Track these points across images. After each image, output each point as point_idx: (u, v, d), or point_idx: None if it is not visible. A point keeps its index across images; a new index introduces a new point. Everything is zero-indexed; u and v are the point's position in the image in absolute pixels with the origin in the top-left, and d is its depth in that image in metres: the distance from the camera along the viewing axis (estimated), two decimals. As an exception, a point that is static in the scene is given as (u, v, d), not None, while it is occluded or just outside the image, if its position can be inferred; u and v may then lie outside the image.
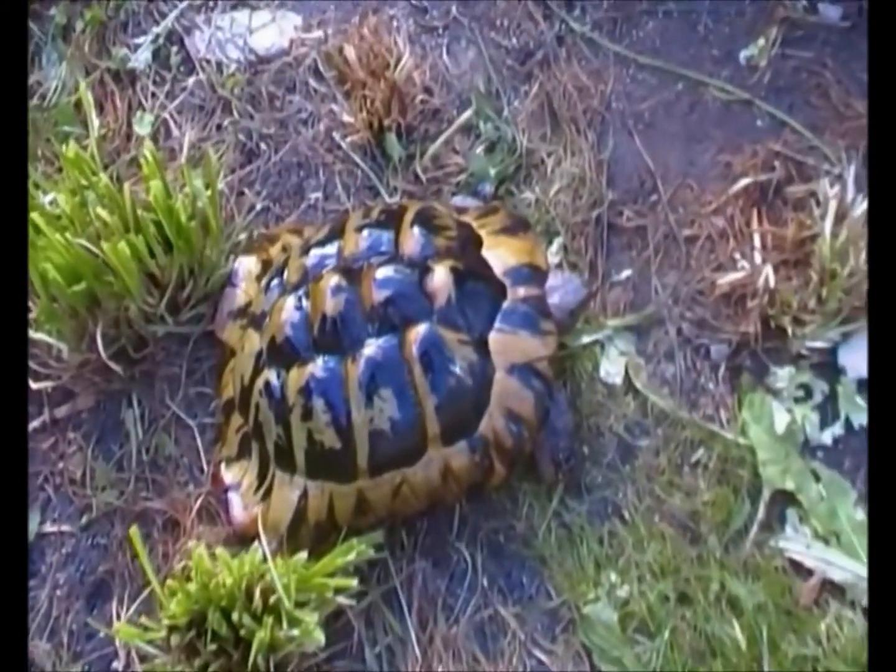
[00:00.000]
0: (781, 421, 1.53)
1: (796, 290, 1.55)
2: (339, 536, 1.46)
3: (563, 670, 1.45)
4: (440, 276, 1.39)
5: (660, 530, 1.51)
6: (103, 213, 1.51)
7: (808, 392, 1.58)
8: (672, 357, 1.63)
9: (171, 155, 1.84)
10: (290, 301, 1.42)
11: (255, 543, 1.42)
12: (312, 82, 1.91)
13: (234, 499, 1.49)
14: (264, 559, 1.39)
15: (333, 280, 1.39)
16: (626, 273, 1.68)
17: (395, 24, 1.94)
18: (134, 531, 1.39)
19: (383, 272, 1.39)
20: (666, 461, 1.56)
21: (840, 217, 1.55)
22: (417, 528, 1.55)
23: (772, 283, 1.53)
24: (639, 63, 1.85)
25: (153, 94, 1.90)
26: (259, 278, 1.57)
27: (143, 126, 1.84)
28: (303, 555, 1.40)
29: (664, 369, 1.63)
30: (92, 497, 1.62)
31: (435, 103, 1.85)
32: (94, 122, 1.73)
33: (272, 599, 1.36)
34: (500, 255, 1.47)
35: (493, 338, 1.40)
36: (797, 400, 1.57)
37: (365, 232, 1.45)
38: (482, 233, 1.49)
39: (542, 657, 1.47)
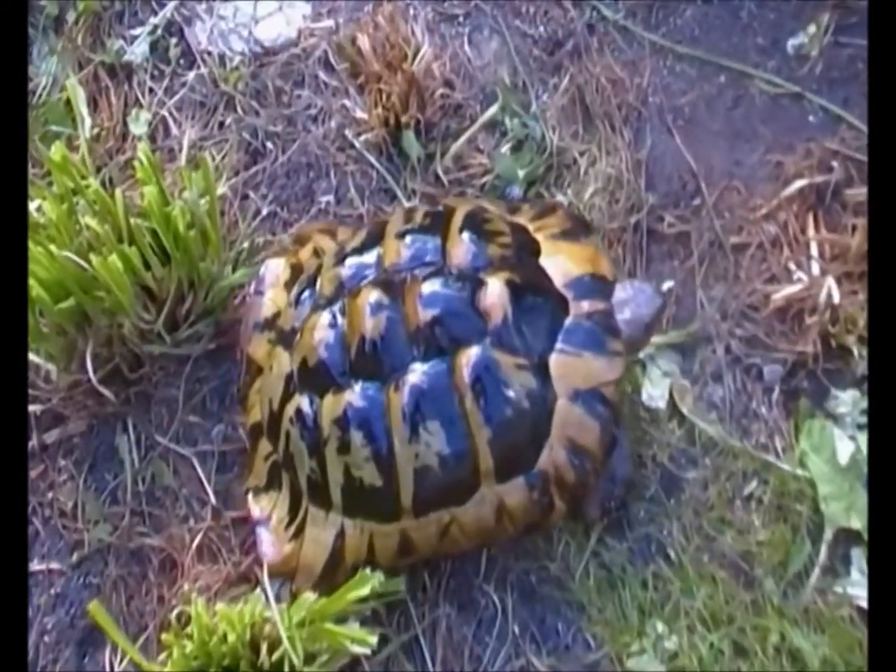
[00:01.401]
0: (845, 450, 1.39)
1: (863, 305, 1.37)
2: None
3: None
4: (495, 292, 1.24)
5: (710, 573, 1.37)
6: (93, 222, 1.38)
7: (873, 418, 1.39)
8: (721, 378, 1.49)
9: (169, 156, 1.71)
10: (324, 318, 1.28)
11: (256, 591, 1.32)
12: (323, 75, 1.77)
13: (264, 535, 1.36)
14: (267, 602, 1.29)
15: (373, 296, 1.24)
16: (668, 285, 1.53)
17: (412, 11, 1.80)
18: (95, 606, 1.25)
19: (430, 287, 1.24)
20: (716, 495, 1.42)
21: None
22: (441, 569, 1.41)
23: (836, 297, 1.36)
24: (677, 53, 1.70)
25: (151, 90, 1.78)
26: (288, 285, 1.43)
27: (138, 125, 1.70)
28: (309, 595, 1.28)
29: (712, 392, 1.48)
30: (84, 532, 1.49)
31: (456, 98, 1.71)
32: (86, 120, 1.60)
33: (277, 654, 1.24)
34: (560, 263, 1.32)
35: (555, 360, 1.25)
36: (861, 427, 1.42)
37: (408, 239, 1.29)
38: (539, 237, 1.34)
39: (580, 715, 1.30)
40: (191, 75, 1.78)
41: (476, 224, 1.31)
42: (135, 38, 1.80)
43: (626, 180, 1.59)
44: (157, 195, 1.44)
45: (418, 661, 1.38)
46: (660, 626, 1.34)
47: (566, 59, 1.71)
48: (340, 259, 1.32)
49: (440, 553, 1.34)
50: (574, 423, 1.25)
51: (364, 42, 1.72)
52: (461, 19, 1.79)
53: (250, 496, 1.39)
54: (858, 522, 1.36)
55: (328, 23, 1.81)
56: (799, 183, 1.51)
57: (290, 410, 1.29)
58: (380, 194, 1.67)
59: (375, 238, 1.33)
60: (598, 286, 1.31)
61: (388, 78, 1.67)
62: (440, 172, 1.64)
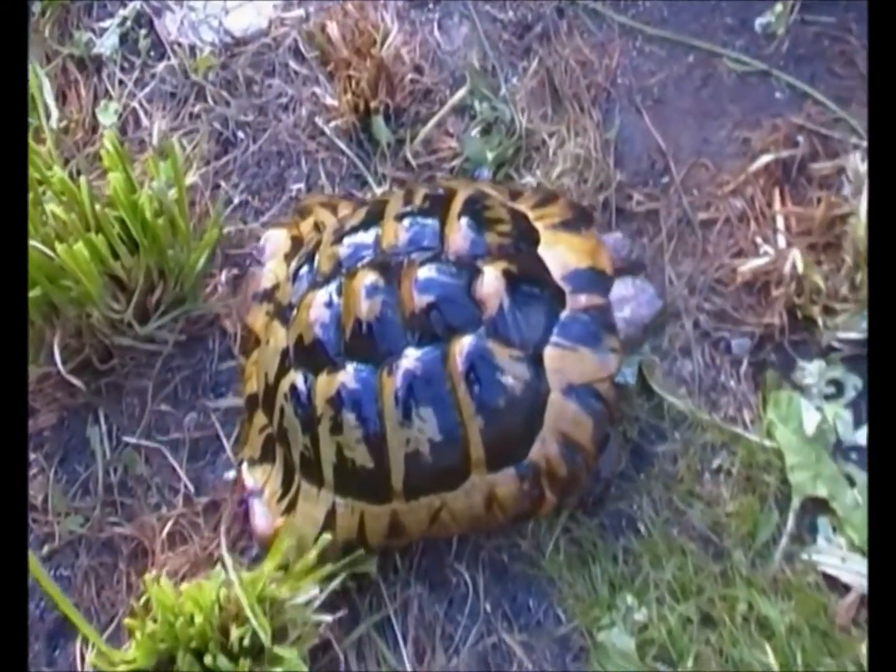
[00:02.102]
0: (811, 421, 1.44)
1: (827, 275, 1.44)
2: (368, 554, 1.40)
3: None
4: (491, 281, 1.27)
5: (679, 545, 1.42)
6: (59, 210, 1.41)
7: (839, 388, 1.48)
8: (689, 353, 1.54)
9: (140, 147, 1.77)
10: (321, 297, 1.31)
11: (218, 567, 1.35)
12: (293, 64, 1.83)
13: (257, 506, 1.39)
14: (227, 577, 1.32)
15: (369, 278, 1.27)
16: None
17: (381, -1, 1.81)
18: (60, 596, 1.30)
19: (426, 272, 1.27)
20: (685, 468, 1.47)
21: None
22: (413, 549, 1.45)
23: (800, 268, 1.42)
24: (646, 34, 1.76)
25: (121, 82, 1.83)
26: (288, 257, 1.46)
27: (107, 115, 1.76)
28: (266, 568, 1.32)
29: (681, 367, 1.53)
30: (54, 524, 1.54)
31: (426, 83, 1.76)
32: (53, 112, 1.64)
33: (246, 636, 1.28)
34: (559, 254, 1.34)
35: (549, 353, 1.27)
36: (828, 397, 1.48)
37: (406, 221, 1.32)
38: (539, 226, 1.37)
39: (552, 689, 1.35)
40: (161, 66, 1.83)
41: (476, 210, 1.34)
42: (104, 30, 1.86)
43: (595, 160, 1.64)
44: (124, 183, 1.49)
45: (390, 641, 1.43)
46: (629, 599, 1.38)
47: (535, 43, 1.77)
48: (339, 237, 1.35)
49: (430, 536, 1.38)
50: (567, 418, 1.27)
51: (333, 29, 1.77)
52: (431, 5, 1.85)
53: (244, 466, 1.42)
54: (825, 490, 1.41)
55: (299, 12, 1.87)
56: (765, 158, 1.56)
57: (284, 386, 1.32)
58: (350, 180, 1.72)
59: (375, 218, 1.35)
60: (597, 280, 1.33)
61: (357, 64, 1.72)
62: (410, 157, 1.68)
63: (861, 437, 1.44)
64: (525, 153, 1.68)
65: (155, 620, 1.29)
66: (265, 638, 1.28)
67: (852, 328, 1.45)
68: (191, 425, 1.59)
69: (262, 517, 1.38)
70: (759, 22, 1.72)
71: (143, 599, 1.32)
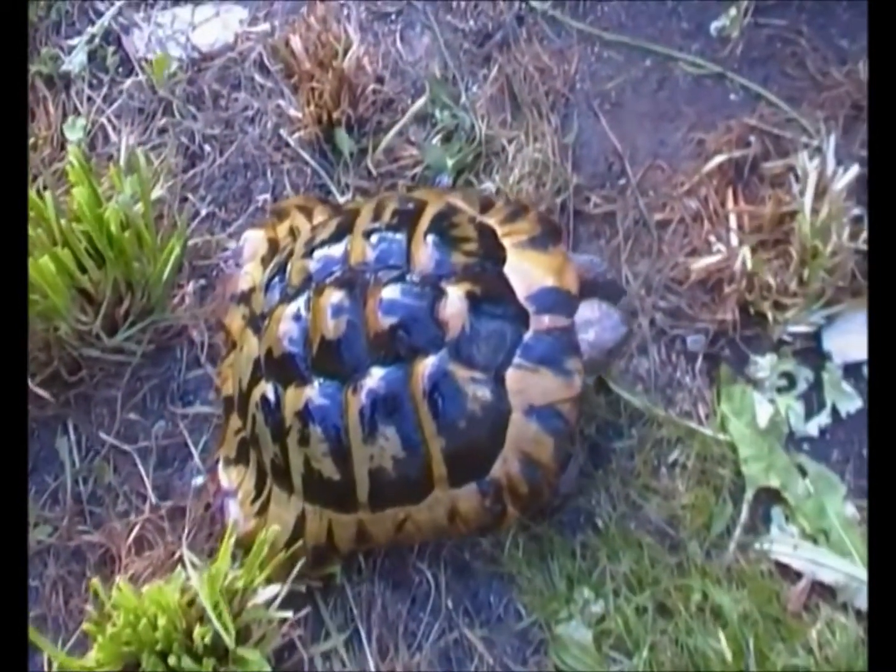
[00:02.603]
0: (764, 413, 1.50)
1: (776, 272, 1.51)
2: (339, 559, 1.48)
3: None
4: (454, 303, 1.32)
5: (636, 538, 1.48)
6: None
7: (791, 381, 1.55)
8: (646, 351, 1.60)
9: (109, 162, 1.82)
10: (290, 311, 1.37)
11: (179, 569, 1.40)
12: (258, 77, 1.90)
13: (232, 506, 1.46)
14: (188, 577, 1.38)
15: (335, 297, 1.33)
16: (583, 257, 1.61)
17: (345, 11, 1.93)
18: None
19: (390, 293, 1.32)
20: (641, 463, 1.53)
21: (820, 191, 1.51)
22: (376, 550, 1.52)
23: (748, 264, 1.48)
24: (604, 40, 1.83)
25: (89, 99, 1.90)
26: (265, 260, 1.53)
27: (74, 131, 1.83)
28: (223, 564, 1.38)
29: (637, 365, 1.60)
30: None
31: (388, 93, 1.84)
32: (21, 129, 1.70)
33: (209, 636, 1.34)
34: (524, 273, 1.38)
35: (511, 374, 1.32)
36: (780, 390, 1.55)
37: (374, 238, 1.38)
38: (506, 243, 1.41)
39: (513, 681, 1.41)
40: (129, 82, 1.90)
41: (442, 228, 1.39)
42: (72, 47, 1.93)
43: (553, 164, 1.71)
44: (89, 196, 1.56)
45: (354, 640, 1.49)
46: (586, 592, 1.44)
47: (495, 51, 1.84)
48: (310, 250, 1.41)
49: (397, 544, 1.45)
50: (528, 438, 1.32)
51: (296, 42, 1.85)
52: (394, 17, 1.92)
53: (220, 466, 1.49)
54: (777, 481, 1.47)
55: (264, 26, 1.94)
56: (718, 158, 1.63)
57: (256, 395, 1.39)
58: (314, 190, 1.79)
59: (344, 231, 1.41)
60: (562, 301, 1.37)
61: (319, 76, 1.79)
62: (371, 166, 1.75)
63: (812, 427, 1.50)
64: (485, 159, 1.75)
65: (115, 624, 1.35)
66: (228, 638, 1.34)
67: (801, 322, 1.52)
68: (159, 433, 1.66)
69: (236, 517, 1.45)
70: (714, 26, 1.78)
71: (103, 603, 1.38)
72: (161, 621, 1.33)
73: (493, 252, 1.40)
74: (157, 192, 1.76)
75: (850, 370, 1.54)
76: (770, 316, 1.52)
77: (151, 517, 1.58)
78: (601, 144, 1.74)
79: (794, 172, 1.57)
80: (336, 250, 1.39)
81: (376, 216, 1.42)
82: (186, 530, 1.55)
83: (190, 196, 1.81)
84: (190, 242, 1.76)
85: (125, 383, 1.67)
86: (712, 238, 1.59)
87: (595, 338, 1.37)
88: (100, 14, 1.96)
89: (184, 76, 1.89)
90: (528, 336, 1.33)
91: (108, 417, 1.66)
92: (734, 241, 1.57)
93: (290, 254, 1.45)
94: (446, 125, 1.78)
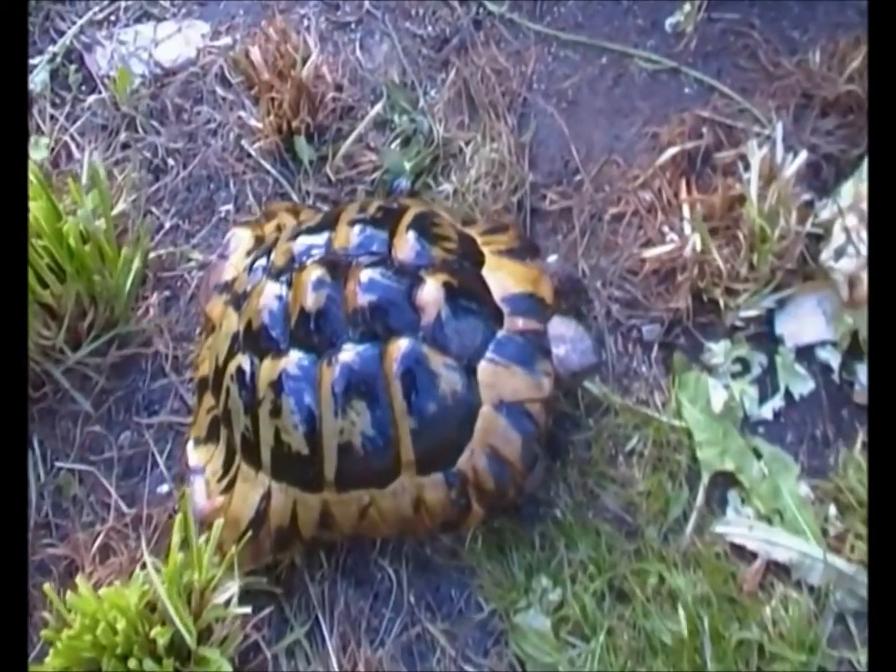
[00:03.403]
0: (718, 399, 1.57)
1: (727, 258, 1.57)
2: (302, 546, 1.52)
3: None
4: (431, 290, 1.39)
5: (594, 526, 1.55)
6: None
7: (745, 366, 1.62)
8: (603, 342, 1.67)
9: (73, 179, 1.88)
10: (272, 287, 1.44)
11: (138, 571, 1.46)
12: (220, 90, 2.00)
13: (198, 483, 1.51)
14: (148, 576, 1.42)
15: (317, 273, 1.40)
16: (552, 259, 1.71)
17: (305, 22, 2.02)
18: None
19: (370, 274, 1.39)
20: (599, 453, 1.59)
21: (769, 178, 1.58)
22: (338, 547, 1.59)
23: (698, 247, 1.56)
24: (561, 40, 1.92)
25: (52, 117, 1.97)
26: (250, 253, 1.61)
27: (38, 150, 1.92)
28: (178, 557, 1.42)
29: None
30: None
31: (347, 100, 1.92)
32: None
33: (167, 636, 1.40)
34: (501, 278, 1.46)
35: (483, 367, 1.39)
36: (734, 375, 1.62)
37: (357, 227, 1.45)
38: (486, 251, 1.49)
39: (474, 672, 1.48)
40: (91, 100, 1.99)
41: (424, 226, 1.47)
42: (34, 66, 2.02)
43: (509, 163, 1.79)
44: (46, 211, 1.63)
45: (317, 638, 1.55)
46: (545, 581, 1.51)
47: (453, 55, 1.94)
48: (294, 235, 1.49)
49: (360, 533, 1.50)
50: (497, 433, 1.38)
51: (256, 54, 1.94)
52: (353, 26, 2.02)
53: (190, 445, 1.55)
54: (732, 464, 1.54)
55: (226, 40, 2.05)
56: (672, 150, 1.71)
57: (232, 368, 1.45)
58: (276, 199, 1.88)
59: (330, 221, 1.49)
60: (536, 307, 1.45)
61: (278, 86, 1.88)
62: (330, 173, 1.84)
63: (767, 411, 1.57)
64: (443, 161, 1.83)
65: (74, 630, 1.39)
66: (189, 638, 1.40)
67: (753, 307, 1.59)
68: (125, 443, 1.73)
69: (202, 495, 1.50)
70: (668, 22, 1.87)
71: (59, 610, 1.43)
72: (120, 624, 1.38)
73: (471, 254, 1.48)
74: (120, 206, 1.85)
75: (803, 353, 1.62)
76: (722, 302, 1.59)
77: (116, 525, 1.65)
78: (558, 142, 1.82)
79: (745, 161, 1.63)
80: (320, 237, 1.47)
81: (362, 209, 1.50)
82: (149, 535, 1.62)
83: (154, 209, 1.89)
84: (154, 254, 1.85)
85: (90, 396, 1.75)
86: (666, 228, 1.66)
87: (564, 355, 1.43)
88: (61, 33, 2.06)
89: (147, 92, 1.99)
90: (501, 333, 1.41)
91: (73, 430, 1.73)
92: (687, 230, 1.64)
93: (275, 241, 1.53)
94: (405, 129, 1.86)
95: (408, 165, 1.82)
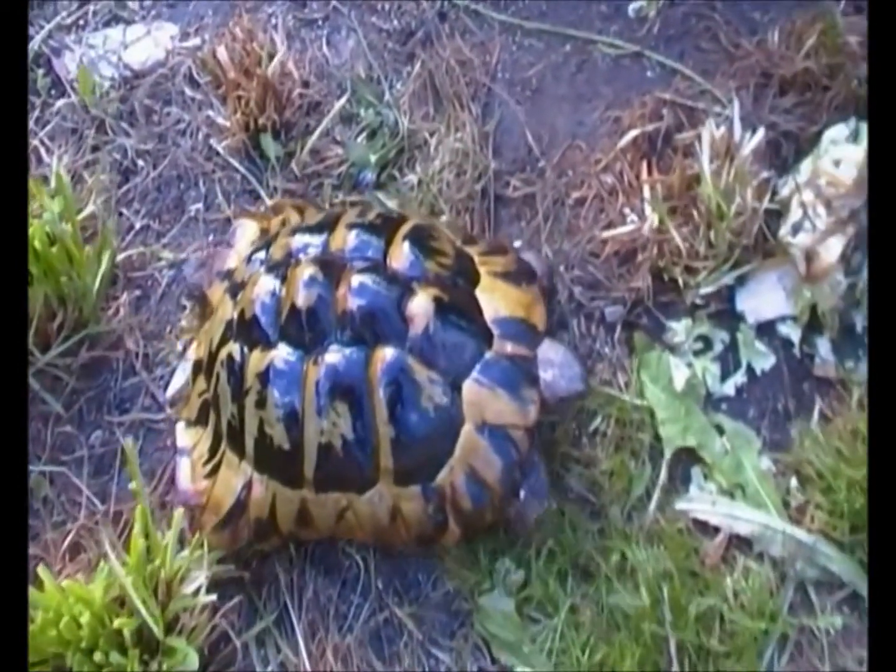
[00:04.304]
0: (680, 377, 1.64)
1: (685, 237, 1.64)
2: (279, 540, 1.59)
3: (462, 668, 1.56)
4: (421, 302, 1.43)
5: (558, 508, 1.61)
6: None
7: (707, 343, 1.70)
8: (566, 325, 1.75)
9: (43, 183, 1.96)
10: (266, 279, 1.49)
11: (103, 564, 1.53)
12: (188, 91, 2.08)
13: (184, 464, 1.58)
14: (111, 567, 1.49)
15: (310, 271, 1.45)
16: (516, 244, 1.79)
17: (272, 21, 2.10)
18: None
19: (362, 279, 1.44)
20: (563, 433, 1.66)
21: (726, 156, 1.65)
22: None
23: (656, 227, 1.63)
24: (525, 29, 2.01)
25: (22, 123, 2.04)
26: (254, 244, 1.67)
27: (7, 155, 1.98)
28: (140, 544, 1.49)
29: (558, 339, 1.70)
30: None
31: (314, 97, 2.00)
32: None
33: (132, 627, 1.46)
34: (494, 300, 1.51)
35: (468, 386, 1.43)
36: (696, 353, 1.69)
37: (354, 231, 1.51)
38: (482, 270, 1.54)
39: (440, 655, 1.57)
40: (60, 103, 2.07)
41: (421, 238, 1.52)
42: (2, 72, 2.10)
43: (473, 152, 1.87)
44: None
45: (286, 626, 1.62)
46: (507, 562, 1.57)
47: (418, 48, 2.02)
48: (293, 232, 1.55)
49: (336, 535, 1.56)
50: (478, 453, 1.43)
51: (222, 53, 2.02)
52: (320, 23, 2.11)
53: (181, 426, 1.63)
54: (694, 441, 1.61)
55: (195, 41, 2.13)
56: (632, 133, 1.79)
57: (223, 354, 1.51)
58: (244, 196, 1.96)
59: (330, 222, 1.55)
60: (527, 333, 1.50)
61: (245, 84, 1.97)
62: (296, 168, 1.92)
63: (729, 387, 1.65)
64: (408, 153, 1.92)
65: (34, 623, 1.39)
66: (157, 629, 1.47)
67: (712, 284, 1.66)
68: (96, 442, 1.80)
69: (187, 477, 1.57)
70: (632, 7, 1.96)
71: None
72: (84, 618, 1.44)
73: (466, 273, 1.53)
74: (90, 208, 1.93)
75: (764, 329, 1.69)
76: (681, 280, 1.67)
77: (86, 524, 1.71)
78: (521, 130, 1.90)
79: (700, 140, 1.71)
80: (317, 237, 1.53)
81: (361, 214, 1.56)
82: (119, 531, 1.69)
83: (124, 210, 1.98)
84: (124, 255, 1.92)
85: (60, 398, 1.82)
86: (627, 210, 1.74)
87: (552, 380, 1.48)
88: (29, 38, 2.12)
89: (116, 94, 2.07)
90: (489, 355, 1.45)
91: (44, 432, 1.80)
92: (648, 211, 1.71)
93: (276, 236, 1.59)
94: (371, 123, 1.95)
95: (373, 158, 1.90)
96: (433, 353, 1.42)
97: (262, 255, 1.58)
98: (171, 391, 1.76)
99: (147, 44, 2.16)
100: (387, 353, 1.41)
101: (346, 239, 1.50)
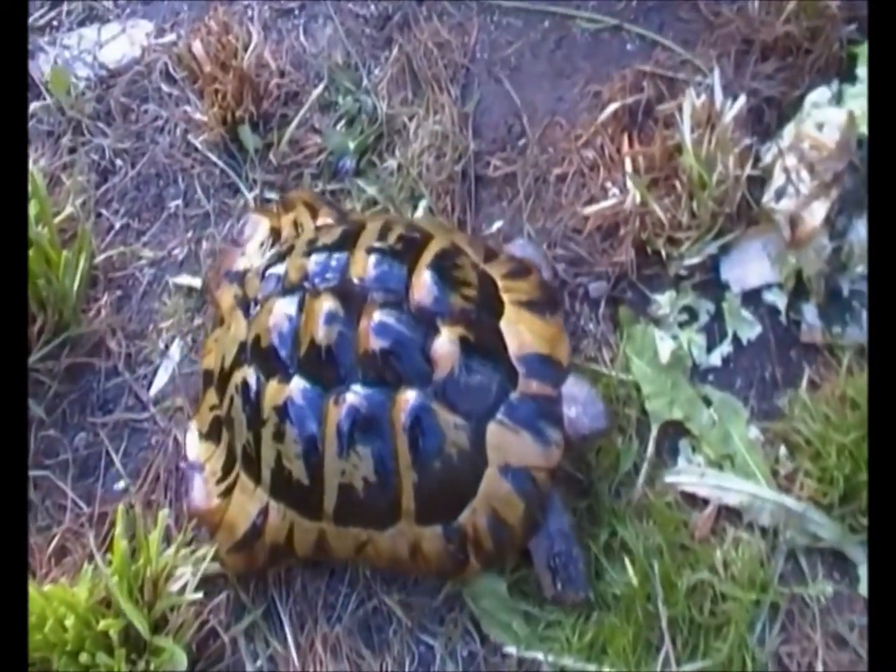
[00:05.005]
0: (665, 349, 1.69)
1: (667, 208, 1.69)
2: (296, 563, 1.63)
3: (452, 652, 1.60)
4: (446, 345, 1.45)
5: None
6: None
7: (692, 314, 1.75)
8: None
9: (15, 187, 2.04)
10: (283, 306, 1.51)
11: (86, 566, 1.58)
12: (165, 87, 2.15)
13: (197, 481, 1.61)
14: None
15: (330, 305, 1.47)
16: (498, 224, 1.86)
17: (248, 13, 2.16)
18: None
19: (386, 317, 1.45)
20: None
21: (708, 125, 1.70)
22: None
23: (637, 199, 1.69)
24: (503, 8, 2.06)
25: (-3, 126, 2.10)
26: (264, 245, 1.71)
27: (-19, 161, 2.05)
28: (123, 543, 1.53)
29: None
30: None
31: (291, 86, 2.06)
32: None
33: (117, 628, 1.50)
34: (519, 333, 1.52)
35: (492, 429, 1.46)
36: (682, 324, 1.74)
37: (375, 257, 1.51)
38: (506, 298, 1.56)
39: (430, 641, 1.62)
40: (36, 106, 2.13)
41: (445, 267, 1.53)
42: (-26, 75, 2.17)
43: (453, 133, 1.92)
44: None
45: (274, 619, 1.67)
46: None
47: (396, 32, 2.08)
48: (310, 251, 1.56)
49: (355, 563, 1.62)
50: (500, 497, 1.45)
51: (198, 47, 2.08)
52: (297, 12, 2.17)
53: (192, 437, 1.65)
54: (680, 413, 1.66)
55: (171, 37, 2.20)
56: (612, 106, 1.84)
57: (237, 378, 1.53)
58: (224, 190, 2.03)
59: (350, 239, 1.56)
60: (551, 370, 1.51)
61: (221, 77, 2.03)
62: (275, 159, 1.99)
63: (715, 358, 1.70)
64: (387, 138, 1.98)
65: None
66: (142, 628, 1.52)
67: (695, 254, 1.71)
68: (80, 444, 1.86)
69: (200, 492, 1.61)
70: (610, -20, 2.00)
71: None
72: (69, 620, 1.46)
73: (491, 304, 1.55)
74: (68, 210, 1.99)
75: (749, 297, 1.74)
76: (665, 252, 1.72)
77: (72, 527, 1.77)
78: (501, 109, 1.96)
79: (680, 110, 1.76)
80: (337, 258, 1.54)
81: (382, 236, 1.56)
82: (105, 532, 1.74)
83: (103, 211, 2.04)
84: (105, 255, 1.98)
85: (43, 402, 1.88)
86: (609, 184, 1.79)
87: (575, 417, 1.50)
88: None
89: (92, 94, 2.14)
90: (513, 395, 1.48)
91: (28, 437, 1.85)
92: (630, 184, 1.75)
93: (291, 248, 1.60)
94: (349, 110, 2.01)
95: (352, 145, 1.96)
96: (458, 395, 1.45)
97: (277, 270, 1.58)
98: (154, 389, 1.82)
99: (122, 42, 2.22)
100: (410, 397, 1.43)
101: (367, 266, 1.51)
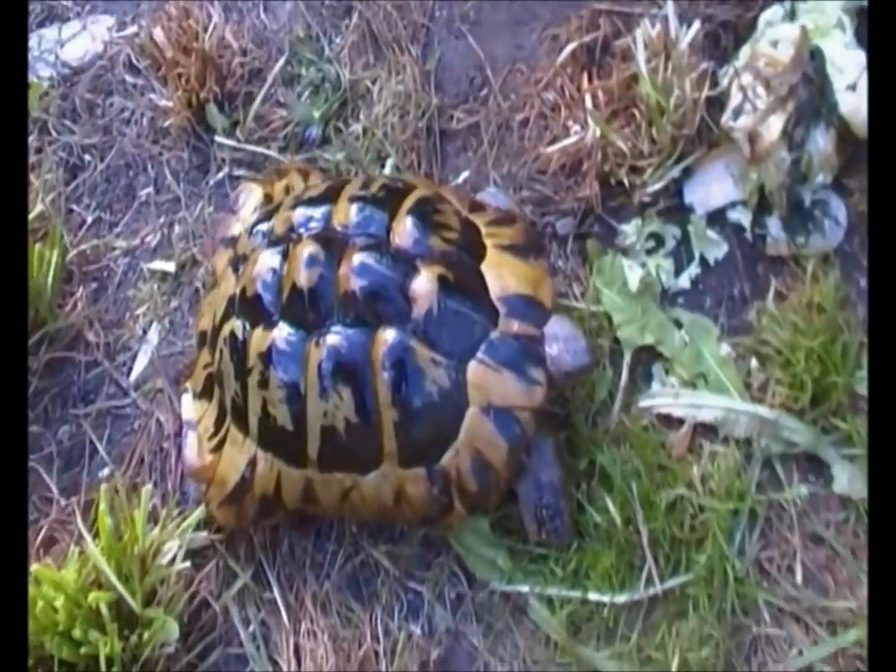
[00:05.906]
0: (634, 277, 1.83)
1: (627, 137, 1.84)
2: (286, 516, 1.74)
3: (440, 596, 1.73)
4: (424, 282, 1.53)
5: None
6: None
7: (659, 240, 1.89)
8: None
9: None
10: (267, 256, 1.61)
11: (73, 546, 1.71)
12: (129, 78, 2.32)
13: (190, 438, 1.73)
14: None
15: (311, 249, 1.56)
16: (465, 175, 2.01)
17: (209, -4, 2.31)
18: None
19: (364, 258, 1.54)
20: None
21: (664, 53, 1.84)
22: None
23: (597, 133, 1.85)
24: (463, -37, 2.20)
25: (-41, 132, 2.28)
26: (257, 210, 1.82)
27: (-53, 166, 2.22)
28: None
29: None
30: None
31: (254, 64, 2.23)
32: None
33: (107, 602, 1.62)
34: (500, 275, 1.60)
35: (473, 368, 1.53)
36: (649, 251, 1.88)
37: (357, 205, 1.61)
38: (488, 243, 1.64)
39: (418, 587, 1.76)
40: (-1, 109, 2.31)
41: (425, 212, 1.62)
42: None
43: (415, 91, 2.08)
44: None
45: (263, 582, 1.81)
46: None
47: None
48: (296, 204, 1.66)
49: (342, 513, 1.70)
50: (483, 436, 1.54)
51: (159, 34, 2.26)
52: (256, -9, 2.33)
53: (187, 397, 1.78)
54: (652, 338, 1.80)
55: (132, 28, 2.37)
56: (570, 46, 1.99)
57: (225, 331, 1.64)
58: (193, 172, 2.19)
59: (333, 193, 1.66)
60: (534, 311, 1.59)
61: (184, 61, 2.20)
62: (242, 136, 2.15)
63: (684, 280, 1.85)
64: (351, 104, 2.14)
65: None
66: (133, 601, 1.65)
67: (658, 180, 1.86)
68: (64, 437, 2.01)
69: (193, 450, 1.72)
70: (564, -76, 2.16)
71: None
72: (59, 601, 1.57)
73: (472, 247, 1.63)
74: (38, 208, 2.15)
75: (714, 218, 1.89)
76: (628, 182, 1.86)
77: (59, 517, 1.91)
78: (463, 63, 2.12)
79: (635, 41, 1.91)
80: (320, 209, 1.64)
81: (365, 185, 1.67)
82: (92, 518, 1.84)
83: (74, 206, 2.21)
84: (78, 249, 2.15)
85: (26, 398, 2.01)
86: (570, 123, 1.94)
87: (557, 354, 1.58)
88: (-38, 46, 2.38)
89: (56, 93, 2.31)
90: (494, 335, 1.56)
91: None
92: (590, 120, 1.90)
93: (279, 205, 1.72)
94: (312, 80, 2.17)
95: (317, 114, 2.12)
96: (437, 333, 1.53)
97: (264, 227, 1.70)
98: (134, 374, 1.97)
99: (84, 39, 2.39)
100: (389, 335, 1.52)
101: (349, 213, 1.61)
